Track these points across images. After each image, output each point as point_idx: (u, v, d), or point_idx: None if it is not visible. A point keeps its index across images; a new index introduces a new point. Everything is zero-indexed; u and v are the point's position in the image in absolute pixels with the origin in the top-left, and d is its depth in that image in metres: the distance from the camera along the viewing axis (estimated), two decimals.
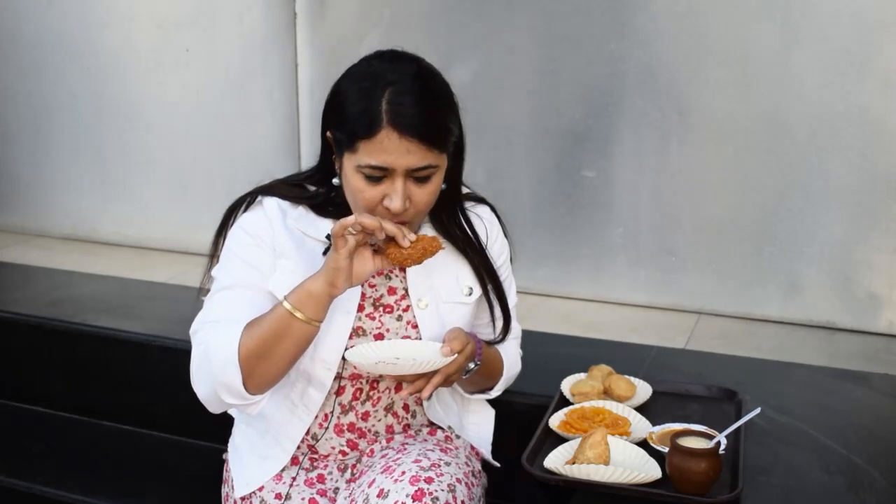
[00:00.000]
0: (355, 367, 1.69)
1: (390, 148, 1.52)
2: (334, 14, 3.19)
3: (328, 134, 1.65)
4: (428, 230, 1.75)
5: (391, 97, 1.53)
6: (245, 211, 1.73)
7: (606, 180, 2.93)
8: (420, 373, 1.59)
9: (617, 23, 2.82)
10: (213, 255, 1.75)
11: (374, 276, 1.71)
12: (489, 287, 1.79)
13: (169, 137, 3.54)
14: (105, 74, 3.58)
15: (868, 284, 2.69)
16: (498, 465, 1.86)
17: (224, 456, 1.90)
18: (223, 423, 1.95)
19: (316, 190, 1.73)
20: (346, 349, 1.66)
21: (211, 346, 1.58)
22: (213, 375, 1.57)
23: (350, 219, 1.51)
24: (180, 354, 2.43)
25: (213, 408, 1.65)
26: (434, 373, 1.61)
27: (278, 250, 1.67)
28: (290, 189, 1.73)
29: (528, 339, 2.03)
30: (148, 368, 2.52)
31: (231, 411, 1.91)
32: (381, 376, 1.73)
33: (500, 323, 1.84)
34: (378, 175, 1.55)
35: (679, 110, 2.80)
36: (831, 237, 2.70)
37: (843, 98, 2.61)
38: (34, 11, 3.65)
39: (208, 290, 1.71)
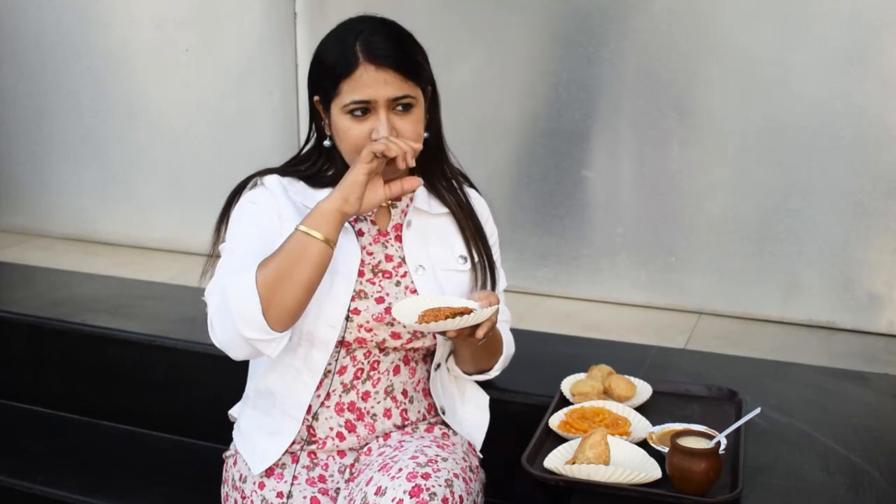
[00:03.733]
0: (397, 323, 1.71)
1: (369, 81, 1.66)
2: (334, 14, 3.13)
3: (315, 98, 1.75)
4: (422, 195, 1.82)
5: (363, 38, 1.68)
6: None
7: (606, 180, 2.93)
8: (462, 328, 1.60)
9: (617, 23, 2.82)
10: (217, 241, 1.78)
11: (371, 244, 1.77)
12: (480, 256, 1.83)
13: (169, 137, 3.54)
14: (105, 74, 3.58)
15: (868, 284, 2.69)
16: (481, 456, 1.85)
17: (224, 455, 1.90)
18: (223, 424, 1.95)
19: (309, 163, 1.81)
20: (348, 310, 1.70)
21: (229, 286, 1.58)
22: (233, 312, 1.57)
23: (379, 145, 1.58)
24: (180, 354, 2.47)
25: (235, 352, 1.64)
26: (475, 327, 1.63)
27: (283, 217, 1.72)
28: (286, 168, 1.82)
29: (528, 339, 2.03)
30: (148, 368, 2.52)
31: (231, 412, 1.93)
32: (380, 361, 1.77)
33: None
34: (362, 109, 1.67)
35: (679, 110, 2.80)
36: (831, 237, 2.70)
37: (843, 98, 2.61)
38: (34, 12, 3.65)
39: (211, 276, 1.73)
